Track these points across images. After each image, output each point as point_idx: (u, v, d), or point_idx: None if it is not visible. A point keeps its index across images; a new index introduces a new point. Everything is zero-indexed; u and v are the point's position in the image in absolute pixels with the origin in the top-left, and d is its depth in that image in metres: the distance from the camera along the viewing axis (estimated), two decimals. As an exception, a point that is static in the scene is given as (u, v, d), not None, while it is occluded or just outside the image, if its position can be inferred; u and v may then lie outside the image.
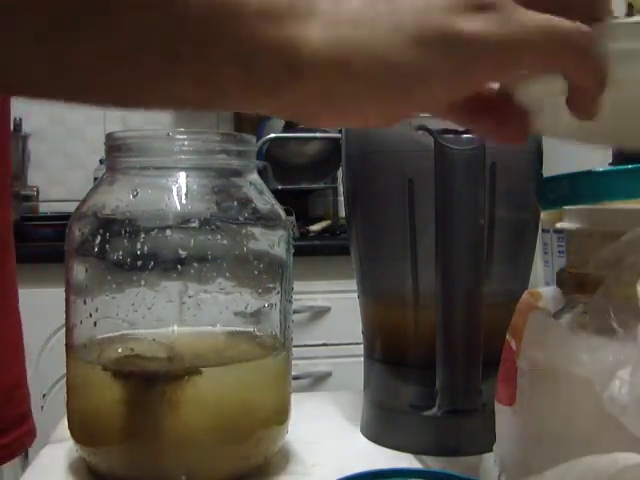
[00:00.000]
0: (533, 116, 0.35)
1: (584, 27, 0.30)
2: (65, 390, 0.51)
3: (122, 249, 0.47)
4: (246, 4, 0.29)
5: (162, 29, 0.28)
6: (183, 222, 0.48)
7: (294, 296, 0.53)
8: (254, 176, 0.53)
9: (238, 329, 0.51)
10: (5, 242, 0.68)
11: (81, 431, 0.50)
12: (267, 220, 0.51)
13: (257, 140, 1.75)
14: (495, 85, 0.35)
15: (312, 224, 2.01)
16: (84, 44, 0.28)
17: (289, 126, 2.04)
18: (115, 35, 0.28)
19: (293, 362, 0.53)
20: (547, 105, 0.34)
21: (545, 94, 0.33)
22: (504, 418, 0.40)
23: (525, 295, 0.43)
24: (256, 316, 0.51)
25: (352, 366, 0.83)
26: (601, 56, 0.30)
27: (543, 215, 0.60)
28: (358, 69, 0.30)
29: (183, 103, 0.32)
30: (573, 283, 0.39)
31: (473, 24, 0.30)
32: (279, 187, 1.92)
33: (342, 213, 1.87)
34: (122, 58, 0.28)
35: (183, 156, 0.49)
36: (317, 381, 1.78)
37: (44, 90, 0.30)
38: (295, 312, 1.34)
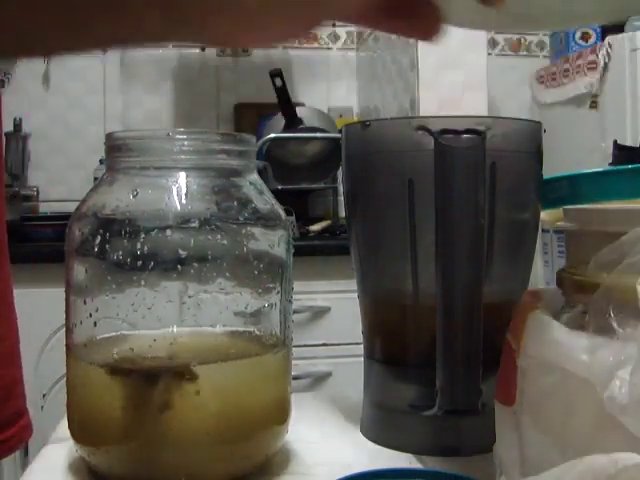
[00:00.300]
0: (444, 7, 0.34)
1: None
2: (65, 390, 0.51)
3: (122, 249, 0.47)
4: None
5: None
6: (183, 222, 0.48)
7: (294, 296, 0.53)
8: (254, 176, 0.53)
9: (238, 329, 0.51)
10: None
11: (81, 431, 0.50)
12: (267, 220, 0.51)
13: (257, 140, 1.75)
14: None
15: (312, 224, 2.01)
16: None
17: (289, 126, 2.04)
18: None
19: (293, 362, 0.53)
20: None
21: None
22: (504, 418, 0.40)
23: (525, 295, 0.43)
24: (256, 316, 0.51)
25: (352, 366, 0.83)
26: None
27: (543, 215, 0.60)
28: None
29: (105, 42, 0.31)
30: (573, 283, 0.39)
31: None
32: (279, 187, 1.92)
33: (342, 213, 1.87)
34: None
35: (183, 156, 0.49)
36: (317, 381, 1.78)
37: None
38: (295, 312, 1.34)
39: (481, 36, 1.92)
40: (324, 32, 2.42)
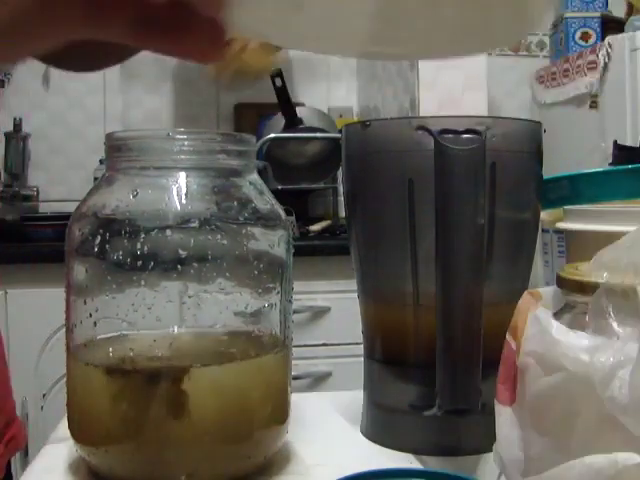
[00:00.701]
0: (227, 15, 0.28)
1: None
2: (65, 390, 0.51)
3: (122, 249, 0.47)
4: None
5: None
6: (183, 222, 0.48)
7: (294, 296, 0.53)
8: (254, 176, 0.53)
9: (238, 329, 0.51)
10: None
11: (81, 431, 0.50)
12: (267, 220, 0.51)
13: (257, 140, 1.75)
14: None
15: (312, 224, 2.01)
16: None
17: (289, 126, 2.04)
18: None
19: (293, 362, 0.53)
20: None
21: None
22: (504, 418, 0.40)
23: (525, 295, 0.43)
24: (256, 316, 0.51)
25: (352, 366, 0.84)
26: None
27: (543, 215, 0.60)
28: None
29: None
30: (573, 283, 0.39)
31: None
32: (279, 187, 1.92)
33: (342, 213, 1.87)
34: None
35: (183, 156, 0.49)
36: (317, 381, 1.78)
37: None
38: (295, 312, 1.34)
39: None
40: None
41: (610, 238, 0.37)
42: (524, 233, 0.58)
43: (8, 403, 0.72)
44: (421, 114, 1.83)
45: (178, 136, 0.49)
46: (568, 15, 2.16)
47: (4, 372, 0.72)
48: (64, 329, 0.51)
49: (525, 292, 0.43)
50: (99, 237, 0.48)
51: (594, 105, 1.94)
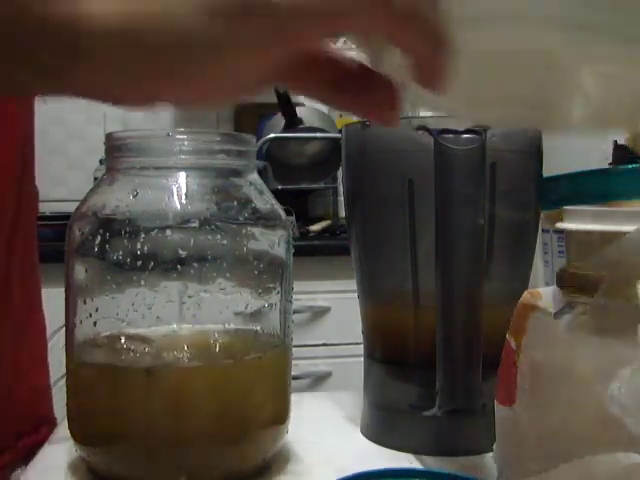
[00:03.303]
0: (402, 88, 0.31)
1: None
2: (65, 390, 0.51)
3: (122, 249, 0.47)
4: None
5: None
6: (183, 222, 0.48)
7: (294, 296, 0.53)
8: (254, 176, 0.53)
9: (238, 329, 0.51)
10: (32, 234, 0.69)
11: (81, 431, 0.50)
12: (267, 220, 0.51)
13: (257, 140, 1.75)
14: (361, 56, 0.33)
15: (312, 224, 2.01)
16: None
17: (289, 126, 2.04)
18: None
19: (293, 362, 0.53)
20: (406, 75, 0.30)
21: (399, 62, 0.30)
22: (504, 418, 0.40)
23: (525, 295, 0.43)
24: (256, 316, 0.51)
25: (352, 366, 0.83)
26: (436, 20, 0.28)
27: (543, 215, 0.60)
28: (150, 43, 0.27)
29: None
30: (573, 283, 0.39)
31: None
32: (279, 187, 1.92)
33: (342, 213, 1.87)
34: None
35: (183, 156, 0.49)
36: (317, 381, 1.78)
37: None
38: (295, 312, 1.34)
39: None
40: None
41: (610, 238, 0.37)
42: (524, 233, 0.58)
43: (43, 401, 0.72)
44: (421, 114, 1.82)
45: (178, 136, 0.49)
46: (568, 15, 2.16)
47: (43, 370, 0.72)
48: (64, 329, 0.51)
49: (525, 292, 0.43)
50: (99, 237, 0.48)
51: (594, 105, 1.93)
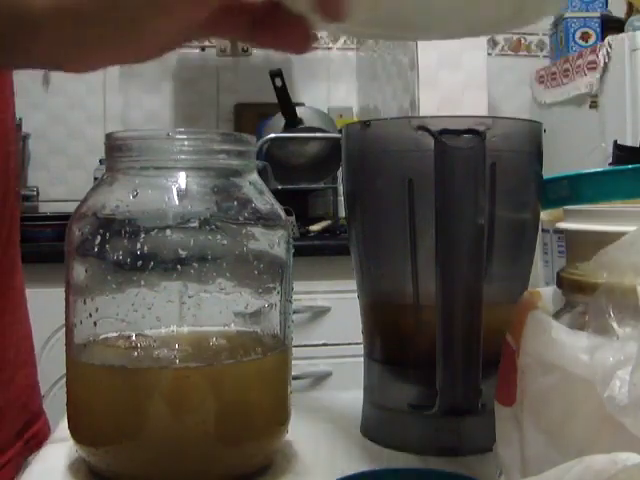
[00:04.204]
0: (311, 19, 0.36)
1: None
2: (65, 390, 0.51)
3: (122, 249, 0.47)
4: None
5: None
6: (183, 222, 0.48)
7: (294, 296, 0.53)
8: (254, 176, 0.53)
9: (238, 329, 0.51)
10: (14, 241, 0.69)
11: (81, 431, 0.50)
12: (267, 220, 0.51)
13: (257, 140, 1.75)
14: None
15: (312, 224, 2.01)
16: None
17: (289, 126, 2.04)
18: None
19: (293, 362, 0.53)
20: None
21: None
22: (504, 418, 0.40)
23: (525, 295, 0.43)
24: (256, 316, 0.51)
25: (352, 366, 0.83)
26: None
27: (543, 215, 0.60)
28: (89, 12, 0.31)
29: None
30: (573, 283, 0.39)
31: None
32: (279, 187, 1.92)
33: (342, 213, 1.87)
34: None
35: (183, 156, 0.49)
36: (317, 381, 1.78)
37: None
38: (295, 312, 1.33)
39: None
40: (324, 32, 2.41)
41: (610, 238, 0.37)
42: (524, 233, 0.58)
43: (34, 399, 0.72)
44: (421, 114, 1.82)
45: (178, 136, 0.49)
46: (568, 15, 2.16)
47: (31, 368, 0.72)
48: (64, 329, 0.51)
49: (525, 292, 0.43)
50: (99, 237, 0.48)
51: (594, 105, 1.94)
